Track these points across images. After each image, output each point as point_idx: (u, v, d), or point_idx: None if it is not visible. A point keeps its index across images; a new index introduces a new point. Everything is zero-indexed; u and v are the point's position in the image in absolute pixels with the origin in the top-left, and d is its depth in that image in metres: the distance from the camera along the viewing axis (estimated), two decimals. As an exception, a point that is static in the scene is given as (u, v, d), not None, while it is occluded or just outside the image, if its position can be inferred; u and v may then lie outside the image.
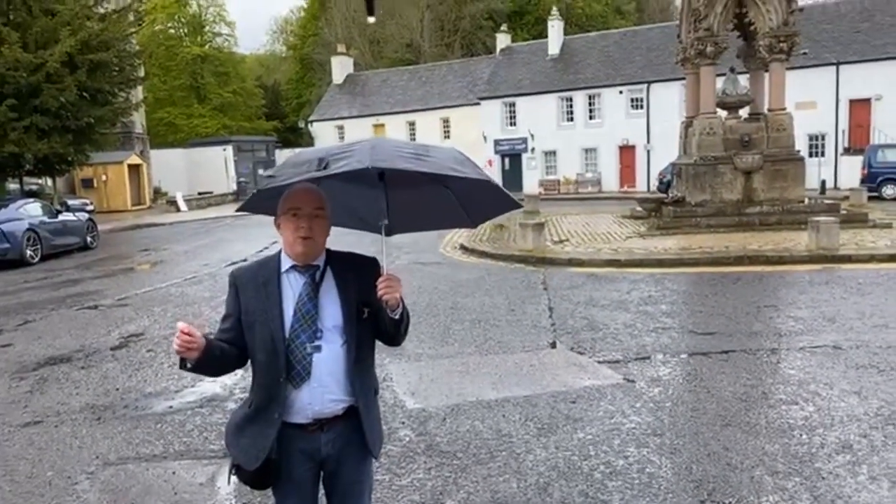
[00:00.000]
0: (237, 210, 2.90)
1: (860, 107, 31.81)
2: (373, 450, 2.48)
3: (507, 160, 40.73)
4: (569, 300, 9.64)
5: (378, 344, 2.55)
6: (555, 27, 41.27)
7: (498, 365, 6.74)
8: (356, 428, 2.42)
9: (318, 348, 2.34)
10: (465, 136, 39.94)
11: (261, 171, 37.29)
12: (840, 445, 4.56)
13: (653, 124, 35.78)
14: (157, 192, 40.00)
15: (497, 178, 36.57)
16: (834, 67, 31.50)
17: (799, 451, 4.52)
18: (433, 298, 10.02)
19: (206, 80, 56.47)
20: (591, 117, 38.31)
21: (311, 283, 2.39)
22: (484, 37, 53.47)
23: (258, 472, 2.39)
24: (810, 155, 29.07)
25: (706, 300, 9.53)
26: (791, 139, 17.11)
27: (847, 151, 31.71)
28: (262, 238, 17.34)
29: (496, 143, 40.65)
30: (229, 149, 43.83)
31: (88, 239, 19.11)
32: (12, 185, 25.89)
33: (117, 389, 6.48)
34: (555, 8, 43.64)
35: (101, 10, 25.64)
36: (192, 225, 26.22)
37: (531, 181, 38.87)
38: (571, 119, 38.79)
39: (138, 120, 37.80)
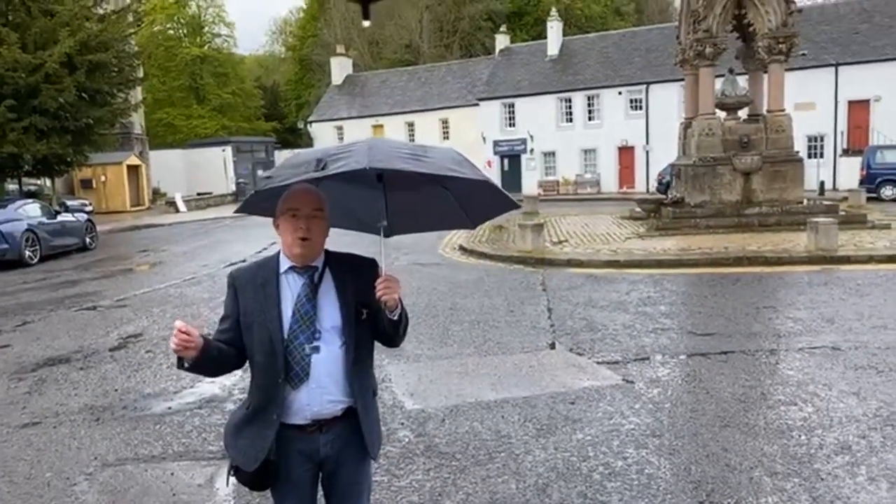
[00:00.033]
0: (235, 212, 2.90)
1: (859, 108, 31.84)
2: (371, 451, 2.48)
3: (506, 161, 40.74)
4: (568, 301, 9.64)
5: (377, 345, 2.55)
6: (554, 28, 41.31)
7: (497, 366, 6.74)
8: (355, 429, 2.42)
9: (317, 349, 2.34)
10: (464, 136, 39.95)
11: (260, 172, 37.31)
12: (839, 446, 4.57)
13: (652, 125, 35.80)
14: (156, 193, 40.00)
15: (496, 178, 36.56)
16: (833, 68, 31.53)
17: (798, 451, 4.52)
18: (432, 299, 10.02)
19: (205, 81, 56.47)
20: (590, 118, 38.33)
21: (309, 284, 2.39)
22: (483, 38, 53.50)
23: (257, 474, 2.39)
24: (809, 156, 29.13)
25: (705, 301, 9.53)
26: (790, 140, 17.13)
27: (846, 152, 31.74)
28: (261, 239, 17.33)
29: (495, 143, 40.67)
30: (228, 149, 43.81)
31: (87, 240, 19.09)
32: (11, 186, 25.88)
33: (116, 390, 6.48)
34: (554, 9, 43.68)
35: (101, 11, 25.64)
36: (191, 226, 26.21)
37: (530, 182, 38.87)
38: (570, 120, 38.82)
39: (137, 121, 37.79)
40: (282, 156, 44.23)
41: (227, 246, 18.30)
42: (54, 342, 8.45)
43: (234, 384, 6.28)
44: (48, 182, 29.09)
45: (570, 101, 38.67)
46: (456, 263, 13.72)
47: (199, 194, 40.17)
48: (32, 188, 28.35)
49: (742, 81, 18.22)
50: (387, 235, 2.54)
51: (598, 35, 43.26)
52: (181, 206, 35.30)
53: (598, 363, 6.68)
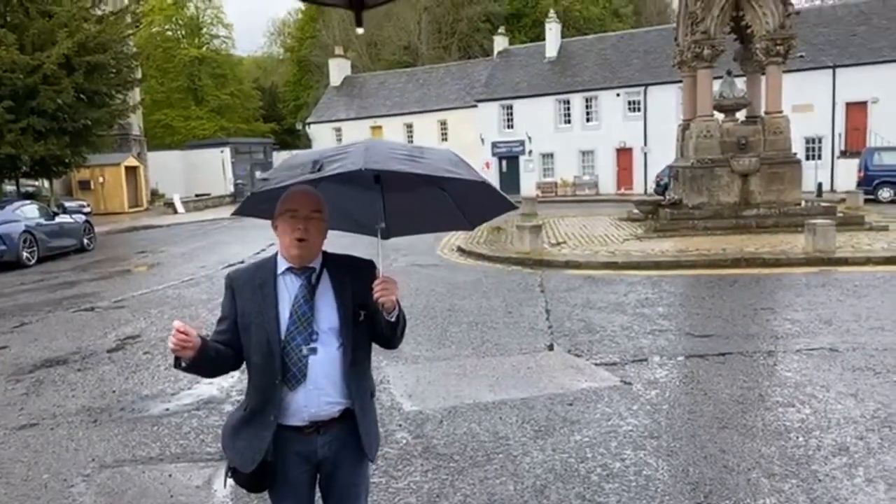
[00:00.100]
0: (233, 214, 2.90)
1: (856, 110, 31.89)
2: (369, 453, 2.48)
3: (504, 162, 40.75)
4: (566, 302, 9.64)
5: (375, 346, 2.55)
6: (552, 30, 41.34)
7: (495, 367, 6.74)
8: (352, 431, 2.42)
9: (314, 350, 2.34)
10: (463, 138, 39.95)
11: (258, 173, 37.32)
12: (836, 448, 4.57)
13: (650, 127, 35.84)
14: (155, 194, 39.96)
15: (494, 180, 36.59)
16: (830, 70, 31.58)
17: (795, 453, 4.52)
18: (430, 300, 10.02)
19: (203, 82, 56.46)
20: (588, 120, 38.36)
21: (307, 286, 2.39)
22: (481, 39, 53.53)
23: (254, 475, 2.39)
24: (807, 158, 29.15)
25: (703, 302, 9.54)
26: (788, 142, 17.16)
27: (843, 154, 31.78)
28: (259, 240, 17.32)
29: (493, 145, 40.68)
30: (227, 151, 43.80)
31: (85, 241, 19.07)
32: (9, 187, 25.85)
33: (114, 392, 6.47)
34: (552, 11, 43.71)
35: (99, 13, 25.62)
36: (189, 227, 26.19)
37: (528, 183, 38.88)
38: (569, 121, 38.85)
39: (135, 122, 37.77)
40: (280, 157, 44.23)
41: (226, 247, 18.29)
42: (52, 343, 8.44)
43: (232, 386, 6.27)
44: (46, 183, 29.05)
45: (568, 102, 38.70)
46: (454, 265, 13.72)
47: (197, 195, 40.16)
48: (30, 189, 28.34)
49: (740, 83, 18.25)
50: (385, 237, 2.54)
51: (597, 37, 43.31)
52: (179, 207, 35.27)
53: (596, 364, 6.69)
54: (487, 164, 39.64)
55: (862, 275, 10.85)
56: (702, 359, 6.72)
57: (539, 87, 39.61)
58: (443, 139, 42.47)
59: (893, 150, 26.50)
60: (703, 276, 11.46)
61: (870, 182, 25.13)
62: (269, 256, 2.50)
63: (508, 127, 40.47)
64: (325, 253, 2.48)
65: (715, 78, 17.61)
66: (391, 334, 2.41)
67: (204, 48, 58.31)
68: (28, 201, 19.23)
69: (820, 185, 27.45)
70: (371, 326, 2.43)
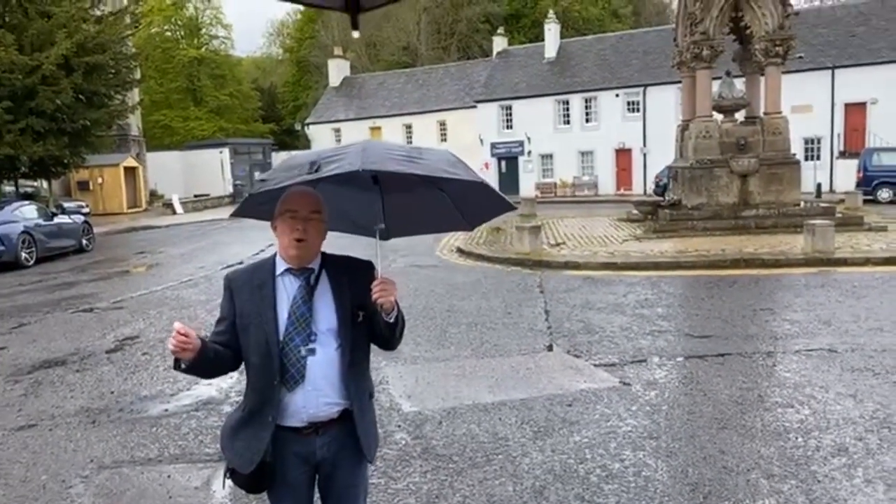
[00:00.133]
0: (231, 215, 2.89)
1: (855, 110, 31.92)
2: (367, 454, 2.48)
3: (503, 163, 40.76)
4: (565, 303, 9.64)
5: (374, 347, 2.54)
6: (551, 30, 41.35)
7: (494, 368, 6.74)
8: (351, 432, 2.42)
9: (313, 351, 2.34)
10: (462, 138, 39.95)
11: (257, 174, 37.29)
12: (836, 448, 4.57)
13: (649, 127, 35.85)
14: (153, 195, 39.93)
15: (493, 181, 36.60)
16: (829, 71, 31.61)
17: (795, 454, 4.52)
18: (430, 301, 10.01)
19: (202, 83, 56.42)
20: (587, 120, 38.37)
21: (305, 287, 2.39)
22: (480, 40, 53.53)
23: (253, 476, 2.39)
24: (806, 158, 29.17)
25: (702, 303, 9.54)
26: (787, 142, 17.18)
27: (842, 155, 31.80)
28: (258, 241, 17.31)
29: (493, 146, 40.69)
30: (226, 151, 43.79)
31: (84, 241, 19.06)
32: (7, 188, 25.85)
33: (112, 392, 6.46)
34: (551, 11, 43.72)
35: (98, 13, 25.62)
36: (188, 227, 26.18)
37: (528, 184, 38.89)
38: (568, 122, 38.86)
39: (134, 122, 37.74)
40: (279, 157, 44.22)
41: (225, 248, 18.28)
42: (50, 344, 8.43)
43: (231, 386, 6.27)
44: (45, 184, 29.03)
45: (567, 103, 38.71)
46: (453, 265, 13.72)
47: (196, 196, 40.15)
48: (29, 190, 28.30)
49: (739, 84, 18.26)
50: (384, 238, 2.54)
51: (596, 37, 43.32)
52: (178, 207, 35.25)
53: (595, 365, 6.68)
54: (487, 165, 39.66)
55: (861, 275, 10.85)
56: (701, 359, 6.72)
57: (538, 88, 39.63)
58: (442, 140, 42.47)
59: (892, 150, 26.52)
60: (703, 276, 11.46)
61: (869, 183, 25.15)
62: (268, 257, 2.50)
63: (507, 127, 40.48)
64: (323, 254, 2.48)
65: (714, 78, 17.63)
66: (390, 335, 2.41)
67: (203, 49, 58.28)
68: (27, 202, 19.21)
69: (819, 185, 27.46)
70: (370, 327, 2.42)
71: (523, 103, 39.58)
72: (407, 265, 13.43)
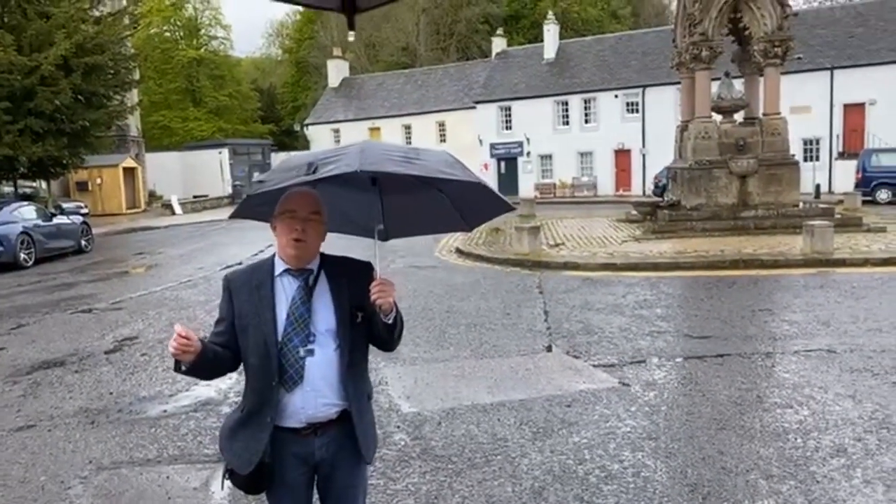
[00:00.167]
0: (230, 217, 2.90)
1: (854, 111, 31.95)
2: (366, 455, 2.47)
3: (502, 164, 40.77)
4: (564, 304, 9.64)
5: (373, 348, 2.54)
6: (550, 31, 41.38)
7: (493, 369, 6.74)
8: (349, 433, 2.41)
9: (311, 352, 2.34)
10: (461, 139, 39.97)
11: (256, 175, 37.25)
12: (835, 449, 4.57)
13: (648, 128, 35.87)
14: (153, 196, 39.92)
15: (493, 181, 36.61)
16: (828, 72, 31.64)
17: (793, 454, 4.52)
18: (429, 302, 10.01)
19: (201, 84, 56.40)
20: (586, 121, 38.38)
21: (304, 287, 2.39)
22: (480, 41, 53.55)
23: (251, 477, 2.39)
24: (805, 159, 29.19)
25: (701, 304, 9.54)
26: (786, 143, 17.19)
27: (841, 156, 31.83)
28: (257, 242, 17.30)
29: (492, 146, 40.70)
30: (225, 152, 43.79)
31: (83, 242, 19.05)
32: (6, 189, 25.84)
33: (111, 393, 6.45)
34: (550, 12, 43.76)
35: (97, 14, 25.63)
36: (187, 228, 26.17)
37: (527, 185, 38.92)
38: (567, 123, 38.88)
39: (133, 123, 37.74)
40: (278, 158, 44.17)
41: (224, 248, 18.28)
42: (49, 345, 8.42)
43: (230, 387, 6.26)
44: (44, 184, 29.03)
45: (566, 104, 38.73)
46: (452, 266, 13.72)
47: (195, 197, 40.13)
48: (28, 191, 28.28)
49: (738, 85, 18.28)
50: (383, 239, 2.54)
51: (595, 38, 43.35)
52: (177, 208, 35.24)
53: (594, 366, 6.68)
54: (486, 166, 39.68)
55: (860, 276, 10.86)
56: (700, 360, 6.72)
57: (537, 89, 39.65)
58: (441, 140, 42.49)
59: (891, 151, 26.55)
60: (702, 277, 11.46)
61: (868, 183, 25.17)
62: (267, 258, 2.50)
63: (507, 128, 40.49)
64: (322, 255, 2.48)
65: (713, 79, 17.65)
66: (388, 337, 2.41)
67: (202, 49, 58.27)
68: (25, 202, 19.19)
69: (818, 186, 27.48)
70: (368, 328, 2.42)
71: (522, 104, 39.60)
72: (406, 266, 13.42)
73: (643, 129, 36.28)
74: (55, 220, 18.17)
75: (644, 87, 36.21)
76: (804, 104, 29.74)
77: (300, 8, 64.78)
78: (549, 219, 21.72)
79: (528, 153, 39.79)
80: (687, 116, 18.50)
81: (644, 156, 36.17)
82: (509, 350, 7.39)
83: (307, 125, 48.31)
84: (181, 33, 59.33)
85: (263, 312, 2.36)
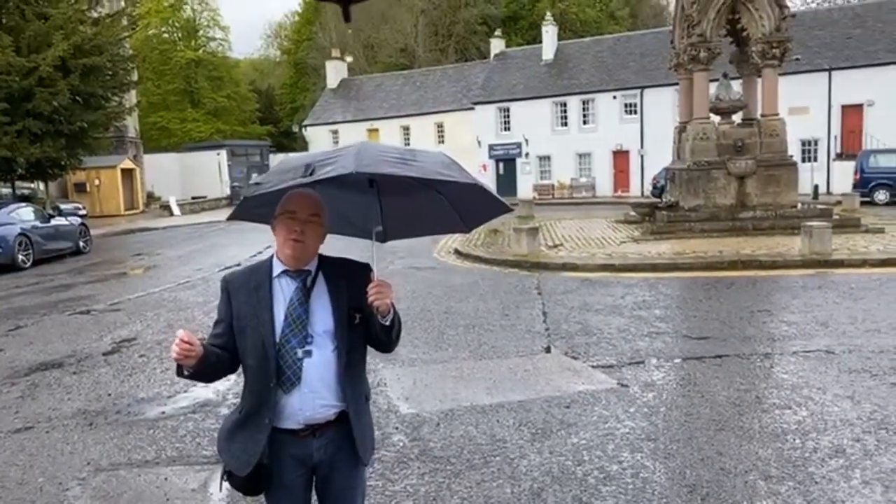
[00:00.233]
0: (227, 219, 2.90)
1: (852, 112, 31.98)
2: (363, 456, 2.47)
3: (501, 165, 40.77)
4: (563, 305, 9.64)
5: (371, 349, 2.54)
6: (549, 32, 41.39)
7: (492, 370, 6.73)
8: (347, 434, 2.41)
9: (309, 353, 2.33)
10: (460, 140, 39.97)
11: (254, 176, 37.22)
12: (833, 450, 4.57)
13: (646, 129, 35.88)
14: (151, 197, 39.90)
15: (491, 182, 36.61)
16: (826, 73, 31.66)
17: (792, 455, 4.52)
18: (427, 303, 10.01)
19: (199, 85, 56.38)
20: (585, 122, 38.39)
21: (302, 288, 2.39)
22: (478, 42, 53.57)
23: (249, 478, 2.39)
24: (803, 160, 29.24)
25: (700, 305, 9.55)
26: (784, 144, 17.20)
27: (839, 157, 31.86)
28: (256, 243, 17.29)
29: (490, 147, 40.69)
30: (223, 153, 43.76)
31: (81, 243, 19.02)
32: (4, 190, 25.81)
33: (109, 395, 6.44)
34: (549, 13, 43.79)
35: (95, 15, 25.60)
36: (185, 229, 26.15)
37: (525, 186, 38.90)
38: (565, 124, 38.89)
39: (131, 124, 37.71)
40: (276, 159, 44.05)
41: (222, 250, 18.27)
42: (47, 346, 8.41)
43: (229, 389, 6.26)
44: (42, 186, 28.98)
45: (565, 105, 38.74)
46: (451, 267, 13.71)
47: (193, 198, 40.10)
48: (26, 192, 28.24)
49: (736, 86, 18.29)
50: (382, 240, 2.54)
51: (593, 39, 43.38)
52: (175, 209, 35.21)
53: (593, 367, 6.68)
54: (484, 167, 39.69)
55: (858, 277, 10.87)
56: (699, 361, 6.72)
57: (536, 90, 39.66)
58: (440, 142, 42.49)
59: (889, 152, 26.57)
60: (700, 278, 11.47)
61: (866, 184, 25.20)
62: (266, 259, 2.50)
63: (505, 129, 40.49)
64: (320, 256, 2.48)
65: (711, 80, 17.66)
66: (386, 338, 2.41)
67: (200, 50, 58.26)
68: (23, 204, 19.18)
69: (816, 187, 27.54)
70: (366, 330, 2.42)
71: (521, 105, 39.60)
72: (404, 267, 13.42)
73: (641, 130, 36.29)
74: (53, 222, 18.15)
75: (642, 88, 36.23)
76: (802, 105, 29.76)
77: (298, 7, 64.97)
78: (547, 220, 21.72)
79: (527, 154, 39.79)
80: (685, 117, 18.51)
81: (642, 157, 36.20)
82: (508, 351, 7.39)
83: (305, 126, 48.29)
84: (179, 34, 59.33)
85: (261, 314, 2.36)
